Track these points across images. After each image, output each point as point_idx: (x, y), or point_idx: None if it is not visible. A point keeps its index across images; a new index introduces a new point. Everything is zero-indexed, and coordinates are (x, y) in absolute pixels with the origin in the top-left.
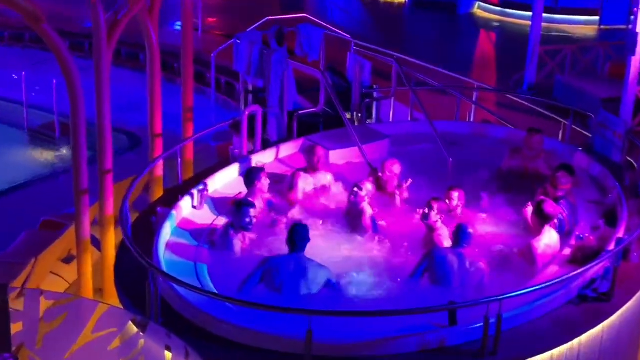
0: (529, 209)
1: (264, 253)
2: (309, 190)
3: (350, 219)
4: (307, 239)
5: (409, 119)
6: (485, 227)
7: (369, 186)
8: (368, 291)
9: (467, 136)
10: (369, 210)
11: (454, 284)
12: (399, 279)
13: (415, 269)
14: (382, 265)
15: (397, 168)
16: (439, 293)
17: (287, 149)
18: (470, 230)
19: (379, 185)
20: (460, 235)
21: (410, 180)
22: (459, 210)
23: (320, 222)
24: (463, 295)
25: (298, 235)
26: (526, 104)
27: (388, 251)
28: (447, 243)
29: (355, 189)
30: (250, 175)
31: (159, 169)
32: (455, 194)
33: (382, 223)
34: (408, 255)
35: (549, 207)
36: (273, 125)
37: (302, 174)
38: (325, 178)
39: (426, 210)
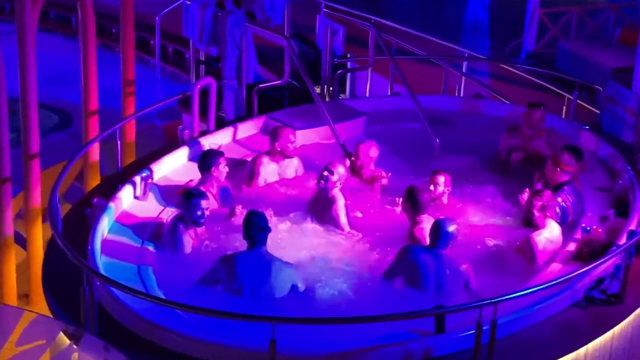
0: (526, 197)
1: (220, 251)
2: (272, 178)
3: (318, 209)
4: (266, 229)
5: (389, 94)
6: (477, 218)
7: (341, 170)
8: (341, 295)
9: (456, 113)
10: (340, 199)
11: (429, 290)
12: (375, 281)
13: (387, 270)
14: (357, 265)
15: (374, 151)
16: (418, 298)
17: (246, 129)
18: (452, 228)
19: (354, 170)
20: (439, 233)
21: (389, 174)
22: (445, 199)
23: (286, 215)
24: (442, 301)
25: (254, 226)
26: (525, 75)
27: (364, 248)
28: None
29: (326, 173)
30: (205, 161)
31: (95, 153)
32: (441, 179)
33: (357, 215)
34: (387, 253)
35: (421, 194)
36: (229, 101)
37: (264, 158)
38: (292, 163)
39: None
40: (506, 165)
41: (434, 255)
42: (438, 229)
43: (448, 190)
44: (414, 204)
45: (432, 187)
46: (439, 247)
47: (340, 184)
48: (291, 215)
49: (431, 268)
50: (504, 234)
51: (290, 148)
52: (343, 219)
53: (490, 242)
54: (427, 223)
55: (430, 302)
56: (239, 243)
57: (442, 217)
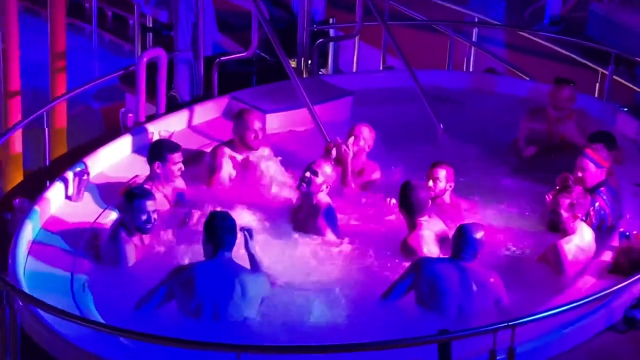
0: (555, 197)
1: (172, 262)
2: (237, 174)
3: (300, 218)
4: (233, 234)
5: (381, 68)
6: (489, 221)
7: (327, 169)
8: (324, 316)
9: (464, 92)
10: (327, 206)
11: (450, 310)
12: (372, 300)
13: (394, 287)
14: (349, 281)
15: (367, 133)
16: (428, 320)
17: (205, 113)
18: (479, 235)
19: (339, 162)
20: (464, 241)
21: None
22: (447, 197)
23: (258, 220)
24: (463, 324)
25: (220, 228)
26: (548, 45)
27: (357, 260)
28: (430, 248)
29: (308, 174)
30: (155, 152)
31: (17, 143)
32: (442, 173)
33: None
34: (385, 265)
35: (420, 192)
36: (184, 78)
37: (227, 150)
38: (261, 155)
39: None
40: (525, 156)
41: (457, 268)
42: (463, 236)
43: (451, 186)
44: (408, 205)
45: (430, 183)
46: (463, 258)
47: (327, 186)
48: (264, 221)
49: (454, 284)
50: (523, 240)
51: (259, 136)
52: (330, 233)
53: (506, 250)
54: (426, 228)
55: (448, 325)
56: (197, 253)
57: (467, 222)
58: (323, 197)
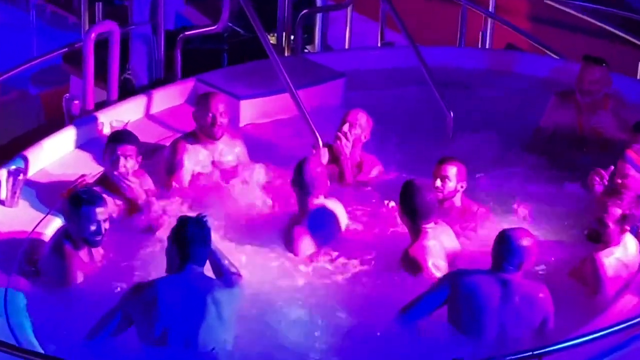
0: (603, 203)
1: (128, 281)
2: (204, 173)
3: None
4: (207, 246)
5: (379, 45)
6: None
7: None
8: (318, 339)
9: (479, 73)
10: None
11: (488, 333)
12: (383, 322)
13: (419, 301)
14: (340, 297)
15: (364, 121)
16: (460, 344)
17: (166, 99)
18: (526, 242)
19: (334, 158)
20: (507, 250)
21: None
22: (458, 199)
23: (232, 228)
24: (504, 348)
25: (191, 240)
26: (579, 16)
27: (346, 276)
28: (436, 261)
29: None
30: (107, 148)
31: None
32: (452, 171)
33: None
34: (379, 282)
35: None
36: (140, 57)
37: (188, 143)
38: (232, 151)
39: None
40: (552, 149)
41: (499, 281)
42: (506, 243)
43: (463, 186)
44: (411, 209)
45: (438, 183)
46: (507, 269)
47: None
48: (236, 230)
49: (494, 301)
50: (550, 251)
51: (220, 122)
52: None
53: (535, 264)
54: (431, 237)
55: (485, 351)
56: (158, 268)
57: (510, 227)
58: (318, 201)
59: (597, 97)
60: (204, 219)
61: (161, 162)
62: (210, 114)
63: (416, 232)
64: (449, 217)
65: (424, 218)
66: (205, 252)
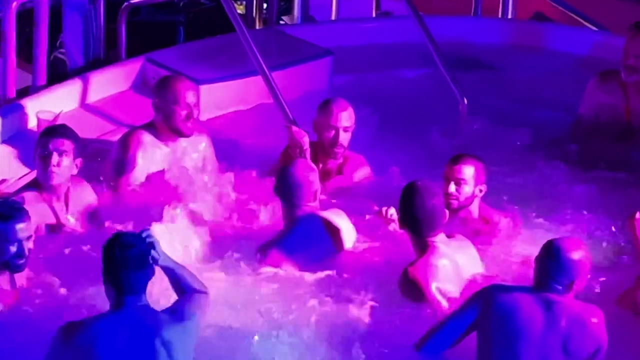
0: None
1: (58, 316)
2: (162, 175)
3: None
4: (143, 269)
5: (374, 15)
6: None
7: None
8: None
9: (500, 50)
10: None
11: None
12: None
13: (436, 332)
14: (332, 329)
15: (346, 118)
16: None
17: (107, 83)
18: (578, 255)
19: (317, 156)
20: (553, 263)
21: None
22: (475, 207)
23: (201, 242)
24: None
25: (121, 265)
26: None
27: (334, 299)
28: (443, 285)
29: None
30: (38, 145)
31: None
32: (469, 171)
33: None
34: (392, 308)
35: None
36: (75, 32)
37: (144, 136)
38: (197, 149)
39: None
40: (594, 143)
41: (544, 303)
42: (555, 256)
43: (482, 190)
44: (413, 217)
45: (452, 188)
46: (553, 288)
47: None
48: (208, 241)
49: (536, 326)
50: (594, 273)
51: (193, 115)
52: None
53: None
54: (440, 254)
55: None
56: (98, 296)
57: (559, 237)
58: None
59: None
60: (140, 235)
61: (107, 163)
62: (184, 106)
63: (422, 247)
64: (465, 230)
65: (428, 228)
66: (140, 280)
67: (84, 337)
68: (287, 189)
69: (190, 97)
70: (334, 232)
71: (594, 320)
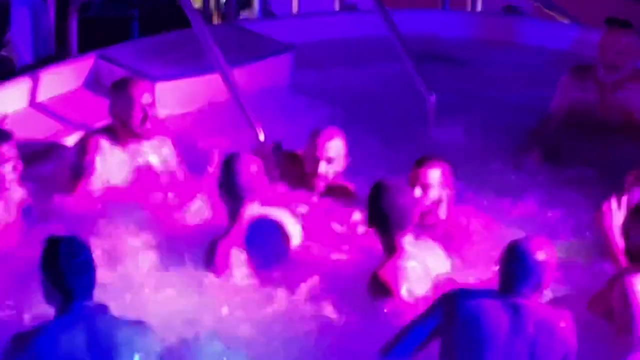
0: (615, 208)
1: (10, 327)
2: (118, 177)
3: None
4: (91, 269)
5: (337, 9)
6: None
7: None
8: None
9: (469, 44)
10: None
11: None
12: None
13: (405, 334)
14: (289, 333)
15: (336, 146)
16: None
17: (58, 82)
18: (543, 256)
19: (292, 166)
20: (519, 265)
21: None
22: (443, 210)
23: (148, 247)
24: None
25: (67, 268)
26: None
27: (299, 304)
28: (412, 286)
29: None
30: None
31: None
32: (434, 174)
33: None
34: (341, 312)
35: None
36: (23, 27)
37: (103, 143)
38: (159, 152)
39: None
40: (567, 140)
41: (510, 307)
42: (520, 257)
43: (448, 193)
44: (382, 216)
45: (418, 193)
46: (519, 292)
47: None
48: (167, 248)
49: (502, 331)
50: (564, 275)
51: (151, 116)
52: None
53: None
54: (410, 257)
55: None
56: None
57: (522, 237)
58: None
59: (624, 73)
60: (81, 240)
61: (59, 165)
62: (140, 107)
63: (390, 248)
64: (434, 234)
65: (397, 226)
66: (87, 282)
67: (34, 344)
68: (230, 184)
69: (144, 99)
70: (280, 229)
71: (562, 324)
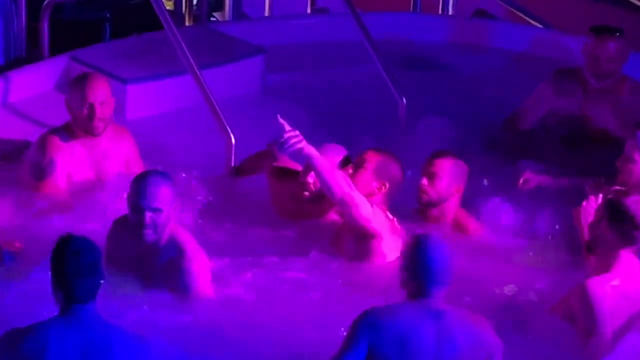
0: (586, 210)
1: None
2: (82, 178)
3: None
4: (93, 275)
5: (309, 11)
6: (482, 250)
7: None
8: None
9: (441, 47)
10: None
11: None
12: None
13: (342, 354)
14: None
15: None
16: None
17: (30, 83)
18: (441, 252)
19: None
20: (426, 265)
21: None
22: (450, 209)
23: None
24: None
25: (70, 271)
26: None
27: (269, 310)
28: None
29: None
30: None
31: None
32: (444, 166)
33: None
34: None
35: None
36: None
37: (60, 141)
38: (119, 149)
39: None
40: (538, 150)
41: (432, 315)
42: (423, 257)
43: (459, 191)
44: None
45: (423, 180)
46: (431, 293)
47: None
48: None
49: (429, 341)
50: (528, 279)
51: (99, 114)
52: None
53: (501, 294)
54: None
55: None
56: (36, 311)
57: (419, 234)
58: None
59: (615, 78)
60: (91, 241)
61: (24, 166)
62: (87, 104)
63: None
64: (437, 232)
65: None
66: (90, 286)
67: (32, 345)
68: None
69: (93, 96)
70: None
71: (482, 326)
